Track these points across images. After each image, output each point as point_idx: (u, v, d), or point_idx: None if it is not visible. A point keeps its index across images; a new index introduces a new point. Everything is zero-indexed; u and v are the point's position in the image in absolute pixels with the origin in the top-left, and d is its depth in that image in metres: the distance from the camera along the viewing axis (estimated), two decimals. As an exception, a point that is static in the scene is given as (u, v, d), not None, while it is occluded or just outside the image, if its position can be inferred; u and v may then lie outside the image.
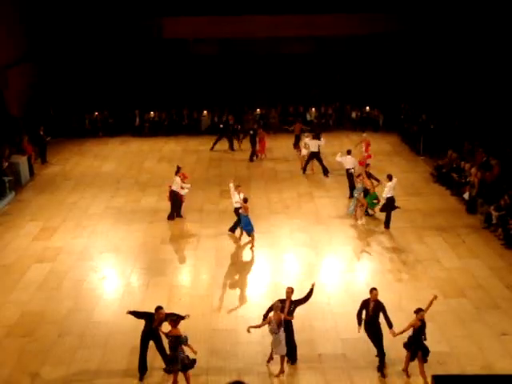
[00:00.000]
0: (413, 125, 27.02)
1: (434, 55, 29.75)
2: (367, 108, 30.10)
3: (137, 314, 11.28)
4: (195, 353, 10.62)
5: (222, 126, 26.88)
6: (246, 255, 16.37)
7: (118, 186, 21.86)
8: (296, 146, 25.22)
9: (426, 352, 10.92)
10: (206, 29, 30.39)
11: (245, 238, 16.97)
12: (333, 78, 31.82)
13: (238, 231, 17.25)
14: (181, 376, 10.76)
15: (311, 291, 11.62)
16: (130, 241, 17.19)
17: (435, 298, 11.15)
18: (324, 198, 20.45)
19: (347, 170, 20.29)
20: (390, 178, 17.67)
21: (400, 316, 11.85)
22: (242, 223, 16.66)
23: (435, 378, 9.60)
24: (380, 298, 11.28)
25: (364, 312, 11.29)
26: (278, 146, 26.69)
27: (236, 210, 17.12)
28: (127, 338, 12.05)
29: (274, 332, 11.01)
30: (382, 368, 11.23)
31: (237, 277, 15.19)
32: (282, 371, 11.24)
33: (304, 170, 22.95)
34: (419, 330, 10.81)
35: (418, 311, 10.80)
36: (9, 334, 12.71)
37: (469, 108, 26.45)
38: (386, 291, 13.14)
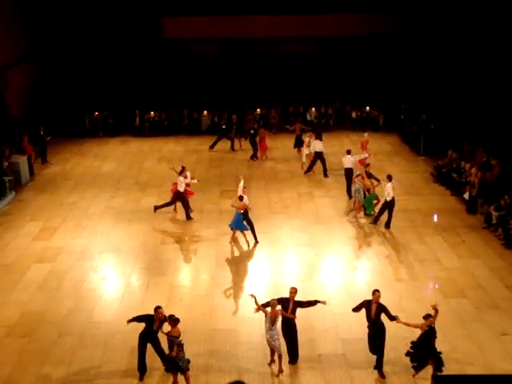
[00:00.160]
0: (413, 125, 27.03)
1: (433, 55, 29.74)
2: (367, 108, 30.08)
3: (137, 319, 11.14)
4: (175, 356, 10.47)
5: (224, 126, 26.85)
6: (247, 255, 16.37)
7: (118, 186, 21.86)
8: (296, 146, 25.20)
9: (438, 362, 10.70)
10: (206, 29, 30.40)
11: (244, 238, 17.01)
12: (333, 78, 31.80)
13: (237, 231, 17.24)
14: (181, 376, 10.77)
15: (316, 302, 11.61)
16: (130, 241, 17.19)
17: (435, 308, 10.92)
18: (324, 197, 20.44)
19: (345, 169, 20.28)
20: (389, 178, 17.65)
21: (400, 316, 11.80)
22: (233, 219, 16.71)
23: (435, 378, 9.61)
24: (380, 297, 11.26)
25: (365, 314, 11.26)
26: (278, 145, 26.69)
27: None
28: (127, 338, 12.03)
29: (269, 329, 11.06)
30: (380, 367, 11.19)
31: (237, 277, 15.17)
32: (281, 370, 11.24)
33: (308, 170, 22.74)
34: (426, 337, 10.70)
35: (427, 317, 10.70)
36: (9, 334, 12.71)
37: (469, 108, 26.44)
38: (386, 291, 13.11)
